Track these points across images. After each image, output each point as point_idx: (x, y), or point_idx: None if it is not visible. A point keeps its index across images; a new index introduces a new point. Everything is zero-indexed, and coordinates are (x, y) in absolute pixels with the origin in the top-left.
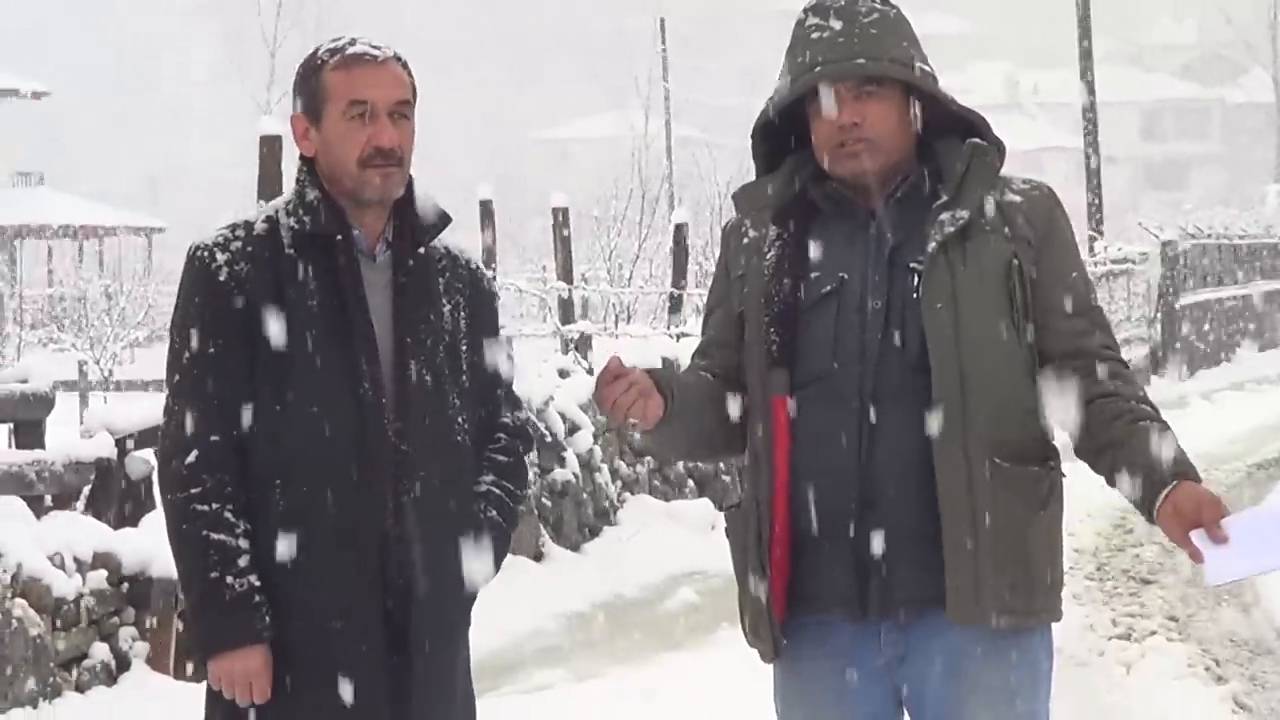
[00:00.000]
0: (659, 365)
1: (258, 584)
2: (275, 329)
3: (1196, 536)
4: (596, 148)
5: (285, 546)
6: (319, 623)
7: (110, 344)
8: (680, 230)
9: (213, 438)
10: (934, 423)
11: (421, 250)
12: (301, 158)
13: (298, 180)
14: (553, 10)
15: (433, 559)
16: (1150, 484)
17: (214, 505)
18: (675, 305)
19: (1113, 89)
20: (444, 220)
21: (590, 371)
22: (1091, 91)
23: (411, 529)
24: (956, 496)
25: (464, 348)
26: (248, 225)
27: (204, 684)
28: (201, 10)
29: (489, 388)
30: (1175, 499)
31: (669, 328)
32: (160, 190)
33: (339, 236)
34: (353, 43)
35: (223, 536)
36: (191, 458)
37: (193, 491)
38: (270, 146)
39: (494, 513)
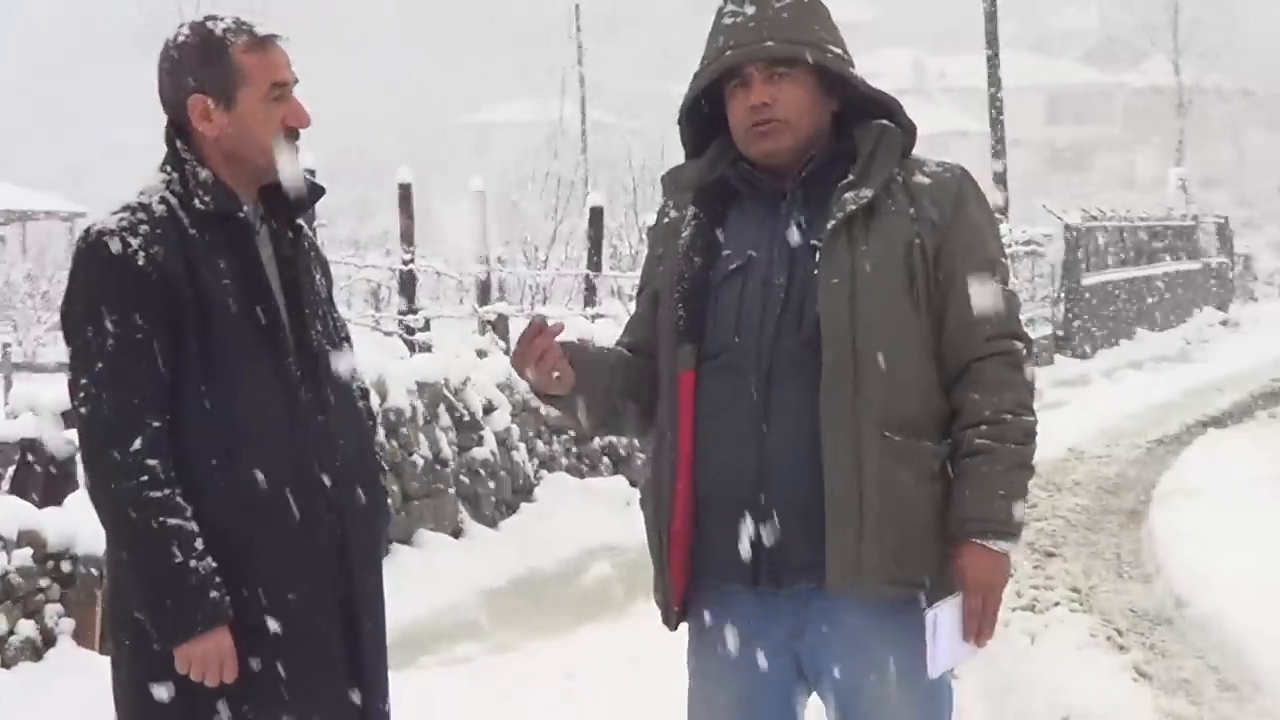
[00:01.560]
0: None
1: (214, 565)
2: (194, 309)
3: (929, 616)
4: (515, 132)
5: (230, 524)
6: (273, 591)
7: (34, 326)
8: (596, 213)
9: (153, 423)
10: (823, 398)
11: (300, 223)
12: (178, 137)
13: (177, 162)
14: None
15: (360, 508)
16: (957, 518)
17: (165, 491)
18: (589, 287)
19: (1017, 74)
20: (316, 194)
21: (507, 352)
22: (996, 77)
23: (342, 490)
24: (841, 469)
25: (333, 316)
26: (145, 207)
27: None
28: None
29: (349, 350)
30: (957, 552)
31: (585, 309)
32: (80, 175)
33: (240, 214)
34: (244, 23)
35: (178, 521)
36: (136, 444)
37: (142, 479)
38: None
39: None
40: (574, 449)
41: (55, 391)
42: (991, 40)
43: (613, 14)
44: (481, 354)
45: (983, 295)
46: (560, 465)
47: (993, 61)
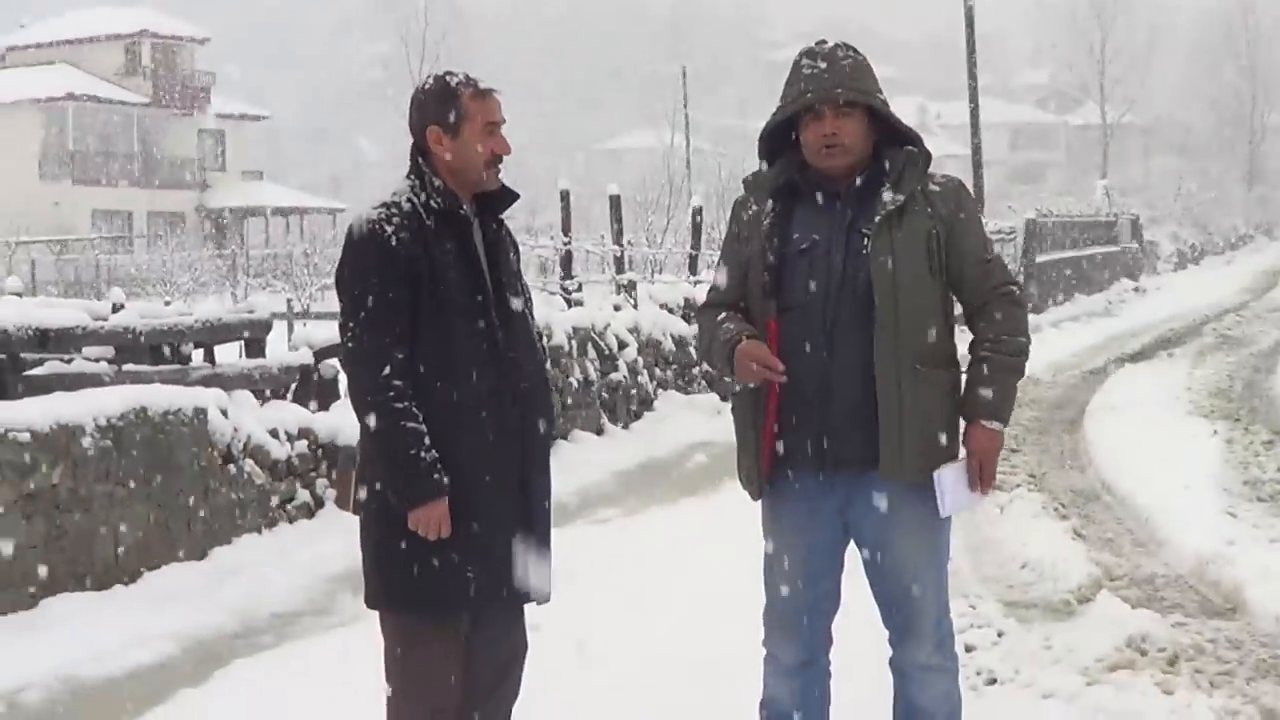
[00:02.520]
0: (674, 308)
1: (436, 455)
2: (428, 278)
3: (936, 476)
4: (639, 155)
5: (448, 426)
6: (476, 476)
7: (308, 287)
8: (697, 211)
9: (398, 355)
10: (879, 338)
11: (500, 218)
12: (419, 156)
13: (419, 173)
14: (608, 57)
15: (536, 421)
16: (970, 406)
17: (404, 403)
18: (693, 263)
19: (990, 114)
20: (514, 198)
21: (635, 306)
22: (975, 116)
23: (525, 406)
24: (889, 390)
25: (521, 284)
26: (396, 205)
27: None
28: (374, 59)
29: (532, 310)
30: (970, 433)
31: (689, 277)
32: (341, 182)
33: (461, 211)
34: (471, 79)
35: (413, 424)
36: (386, 370)
37: (389, 395)
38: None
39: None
40: (681, 375)
41: (324, 332)
42: (972, 91)
43: (707, 74)
44: (617, 308)
45: (985, 259)
46: (671, 385)
47: (974, 106)
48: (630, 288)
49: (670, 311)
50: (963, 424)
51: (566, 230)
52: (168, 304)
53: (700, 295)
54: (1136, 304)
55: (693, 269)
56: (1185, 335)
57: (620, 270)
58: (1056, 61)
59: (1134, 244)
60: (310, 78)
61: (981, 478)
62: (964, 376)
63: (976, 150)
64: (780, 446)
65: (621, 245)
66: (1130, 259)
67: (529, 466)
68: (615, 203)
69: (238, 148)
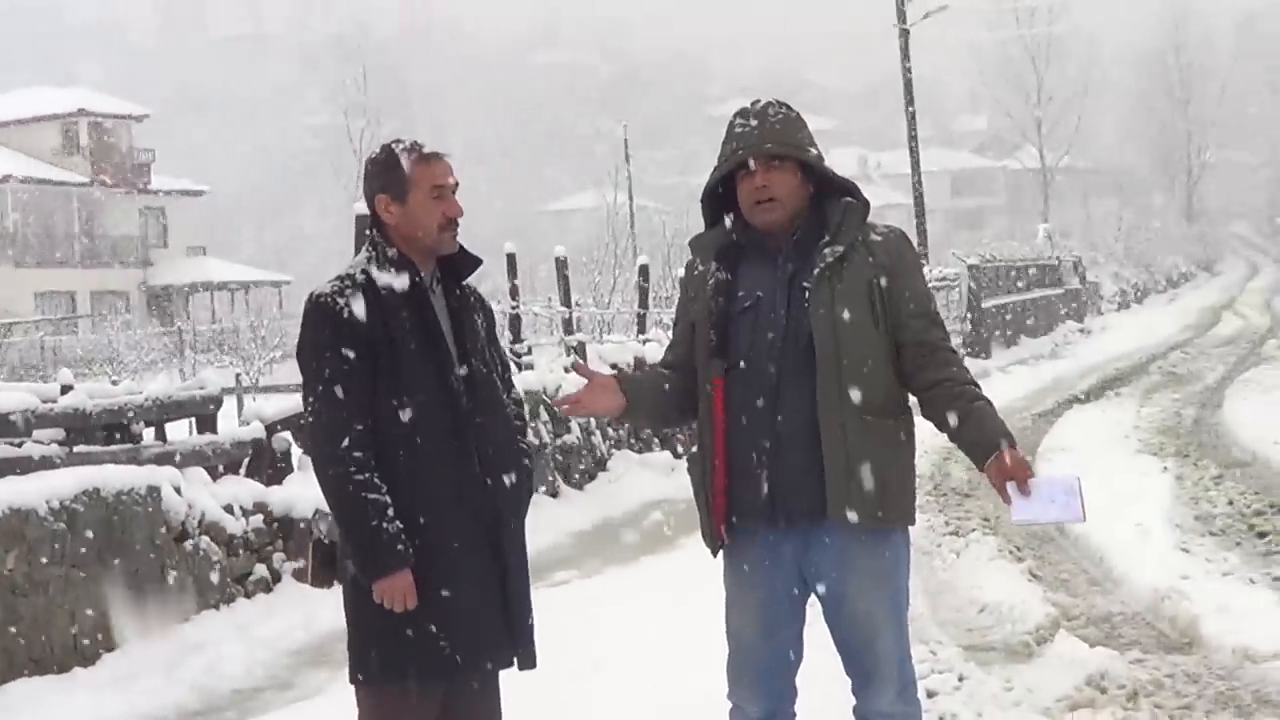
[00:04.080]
0: (624, 368)
1: (401, 526)
2: (384, 348)
3: (1010, 487)
4: (583, 216)
5: (413, 496)
6: (443, 543)
7: (256, 360)
8: (643, 269)
9: (357, 427)
10: (820, 389)
11: (464, 283)
12: (374, 225)
13: (373, 243)
14: (549, 119)
15: (509, 488)
16: (984, 447)
17: (365, 474)
18: (640, 321)
19: (930, 162)
20: (477, 263)
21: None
22: (917, 164)
23: (492, 472)
24: (834, 438)
25: (492, 349)
26: (350, 278)
27: (335, 588)
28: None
29: (506, 374)
30: (1001, 459)
31: (638, 336)
32: (285, 255)
33: (418, 279)
34: (417, 144)
35: (375, 495)
36: (345, 442)
37: (350, 468)
38: (362, 222)
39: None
40: (635, 434)
41: (274, 405)
42: (913, 140)
43: (648, 131)
44: (567, 369)
45: (929, 310)
46: (625, 445)
47: (914, 155)
48: (580, 349)
49: (620, 371)
50: (993, 454)
51: (515, 294)
52: (115, 383)
53: (649, 353)
54: (1083, 345)
55: (641, 328)
56: (1132, 374)
57: (569, 331)
58: (994, 107)
59: (1078, 285)
60: (250, 151)
61: (1024, 489)
62: (916, 422)
63: (918, 198)
64: (733, 503)
65: (570, 307)
66: (1074, 300)
67: (499, 530)
68: (561, 265)
69: (180, 224)
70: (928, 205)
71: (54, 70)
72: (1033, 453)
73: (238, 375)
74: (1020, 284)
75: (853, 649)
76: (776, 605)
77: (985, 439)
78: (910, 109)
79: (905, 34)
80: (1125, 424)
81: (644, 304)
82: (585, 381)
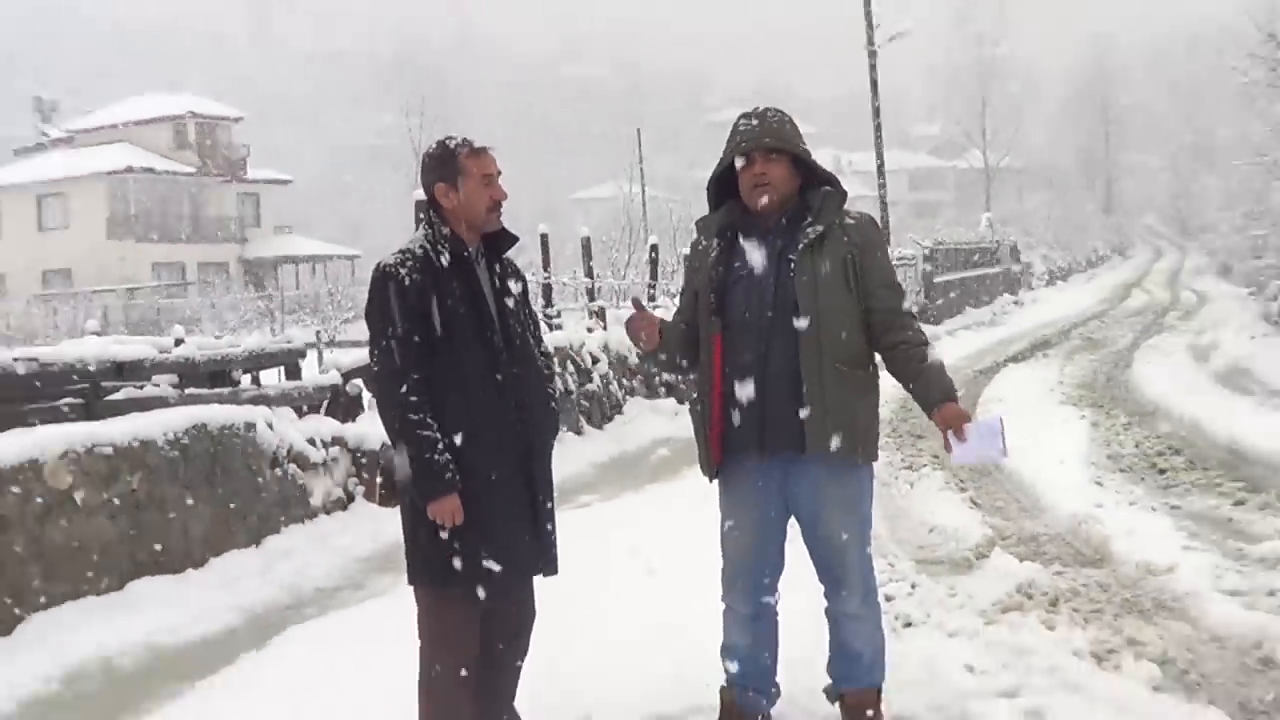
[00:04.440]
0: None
1: (449, 457)
2: (438, 310)
3: (950, 435)
4: (602, 203)
5: (460, 433)
6: (485, 472)
7: (332, 320)
8: (653, 248)
9: (414, 375)
10: (802, 344)
11: (504, 256)
12: (430, 208)
13: (429, 222)
14: (572, 121)
15: (540, 426)
16: (931, 400)
17: (420, 414)
18: (651, 291)
19: (893, 162)
20: (514, 240)
21: (605, 329)
22: (881, 164)
23: (526, 414)
24: (814, 383)
25: (526, 311)
26: (410, 252)
27: (397, 508)
28: (377, 130)
29: (538, 332)
30: (942, 411)
31: (649, 303)
32: (356, 232)
33: (466, 253)
34: (468, 140)
35: (428, 432)
36: (404, 388)
37: (407, 408)
38: (421, 205)
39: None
40: (646, 384)
41: (349, 357)
42: (878, 143)
43: (658, 132)
44: (590, 330)
45: (893, 282)
46: (637, 393)
47: (879, 156)
48: (600, 313)
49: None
50: (937, 406)
51: (546, 267)
52: (218, 338)
53: (659, 318)
54: (1017, 314)
55: (651, 297)
56: (1056, 339)
57: (591, 299)
58: (945, 116)
59: (1013, 265)
60: (326, 147)
61: (960, 435)
62: (882, 376)
63: (882, 191)
64: (728, 438)
65: (592, 278)
66: (1010, 277)
67: (532, 462)
68: (586, 243)
69: (270, 207)
70: (890, 198)
71: (165, 78)
72: (975, 402)
73: (317, 332)
74: (966, 264)
75: (825, 562)
76: (763, 524)
77: (933, 394)
78: (876, 120)
79: (873, 54)
80: (1051, 380)
81: (654, 276)
82: (605, 328)
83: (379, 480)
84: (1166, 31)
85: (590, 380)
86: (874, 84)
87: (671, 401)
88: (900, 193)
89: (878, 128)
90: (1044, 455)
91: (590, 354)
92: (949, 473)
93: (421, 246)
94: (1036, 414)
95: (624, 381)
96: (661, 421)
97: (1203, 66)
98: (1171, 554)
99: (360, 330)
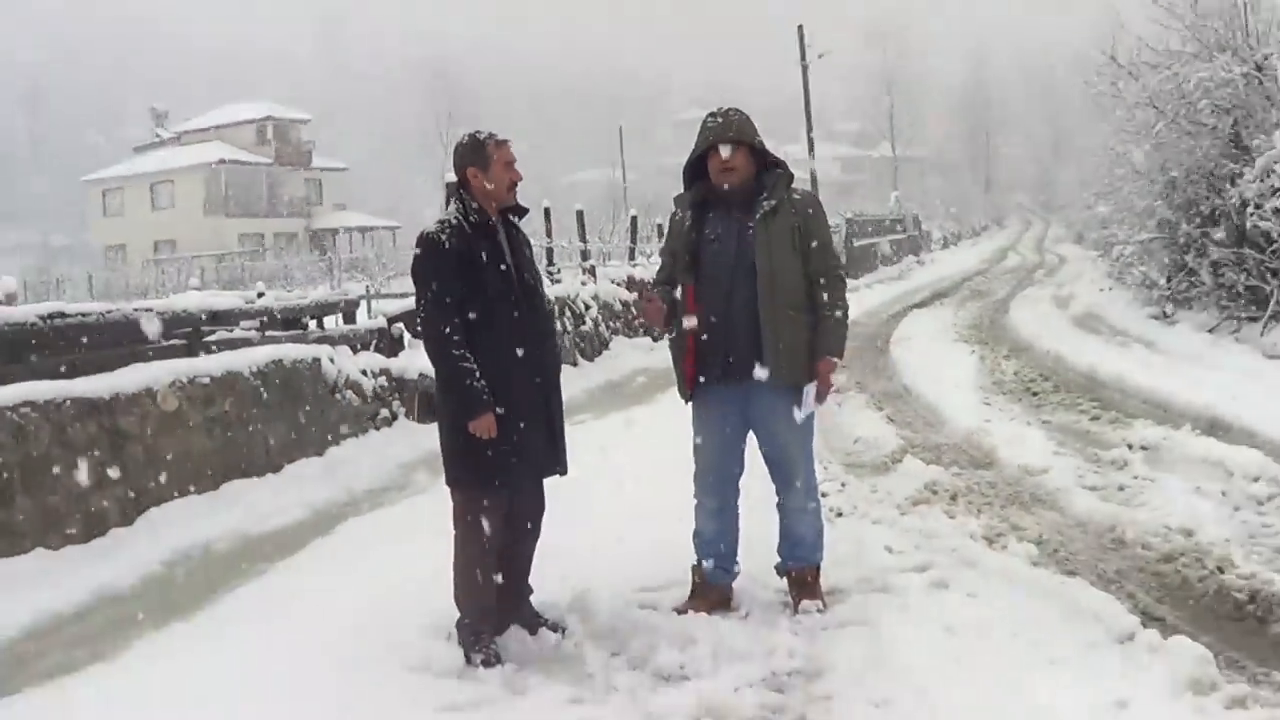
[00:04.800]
0: (620, 283)
1: (484, 383)
2: (470, 266)
3: (806, 390)
4: (589, 185)
5: (491, 362)
6: (511, 393)
7: (378, 277)
8: (633, 219)
9: (454, 319)
10: (760, 293)
11: (518, 223)
12: (461, 187)
13: (460, 198)
14: (565, 117)
15: (549, 354)
16: (820, 348)
17: (460, 351)
18: (631, 253)
19: (820, 151)
20: (525, 211)
21: (595, 281)
22: (811, 154)
23: (541, 348)
24: (769, 326)
25: (535, 268)
26: (448, 221)
27: (432, 424)
28: (414, 125)
29: (543, 285)
30: (822, 365)
31: (629, 262)
32: (396, 208)
33: (490, 221)
34: (493, 134)
35: (467, 364)
36: (447, 329)
37: (450, 346)
38: (452, 186)
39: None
40: (627, 325)
41: (393, 306)
42: (809, 136)
43: (635, 126)
44: (583, 284)
45: (827, 247)
46: (620, 333)
47: (810, 146)
48: (591, 271)
49: (617, 284)
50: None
51: (549, 235)
52: (289, 292)
53: (637, 275)
54: (919, 271)
55: (631, 257)
56: (950, 291)
57: (584, 259)
58: (862, 114)
59: (916, 232)
60: (374, 138)
61: (822, 393)
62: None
63: (813, 176)
64: (700, 367)
65: (585, 243)
66: (913, 242)
67: (547, 386)
68: (580, 216)
69: (330, 188)
70: (820, 181)
71: (245, 86)
72: (888, 340)
73: (367, 287)
74: (879, 231)
75: (777, 465)
76: (727, 436)
77: (823, 344)
78: (808, 120)
79: (805, 67)
80: (946, 322)
81: (634, 241)
82: (603, 289)
83: (416, 402)
84: (1036, 49)
85: (583, 323)
86: (806, 91)
87: (648, 340)
88: (829, 176)
89: (808, 122)
90: (943, 382)
91: (584, 302)
92: (869, 396)
93: (456, 217)
94: (936, 349)
95: (610, 324)
96: (640, 355)
97: (1062, 79)
98: (1044, 458)
99: (400, 285)
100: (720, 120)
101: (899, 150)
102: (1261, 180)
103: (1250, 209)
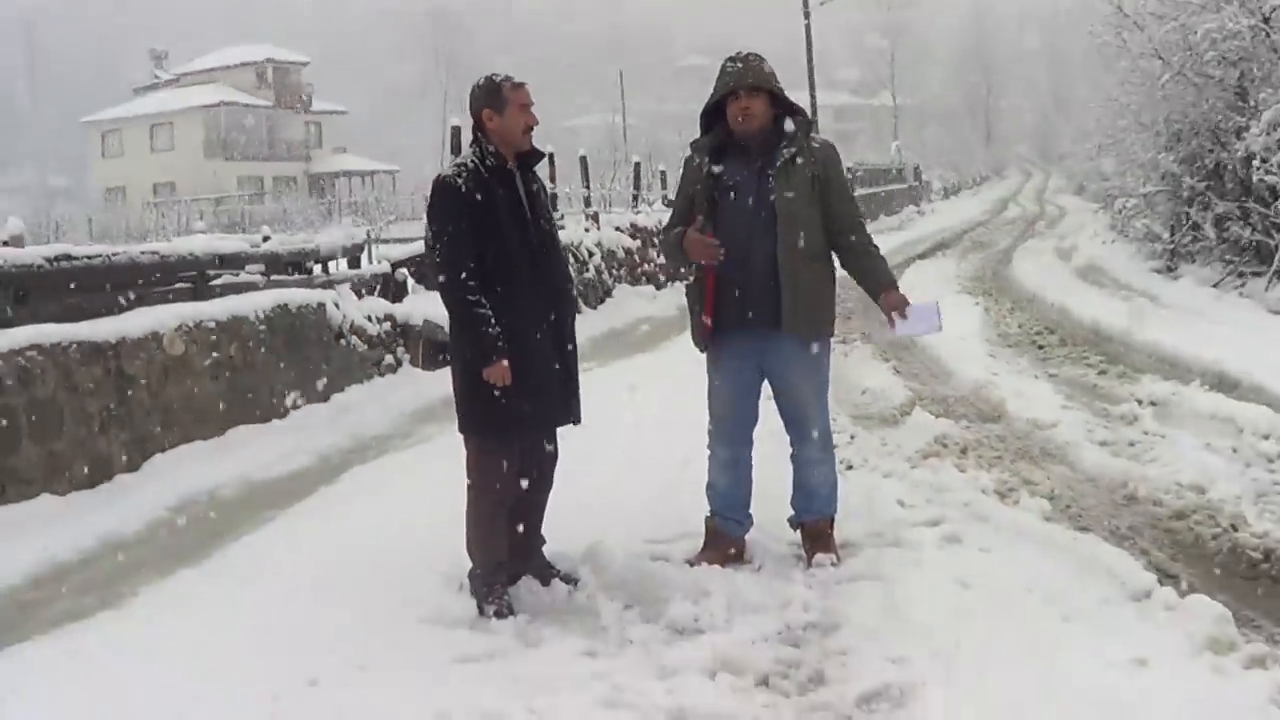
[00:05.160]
0: (625, 229)
1: (499, 329)
2: (486, 211)
3: (894, 315)
4: (591, 130)
5: (507, 308)
6: (527, 340)
7: (378, 222)
8: (637, 166)
9: (470, 264)
10: (780, 243)
11: (534, 169)
12: (477, 130)
13: (477, 142)
14: (567, 64)
15: (565, 303)
16: (879, 285)
17: (475, 296)
18: (634, 199)
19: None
20: (542, 156)
21: (599, 229)
22: (814, 100)
23: (556, 295)
24: (788, 275)
25: (550, 212)
26: (465, 165)
27: (436, 371)
28: (414, 71)
29: (558, 230)
30: (888, 297)
31: (633, 208)
32: (396, 153)
33: (508, 165)
34: (509, 76)
35: (482, 310)
36: (463, 274)
37: (464, 291)
38: (455, 132)
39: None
40: (630, 273)
41: (397, 251)
42: (811, 84)
43: (636, 74)
44: (587, 230)
45: (850, 195)
46: (624, 280)
47: (812, 95)
48: (595, 218)
49: (621, 231)
50: (882, 293)
51: (552, 180)
52: (292, 236)
53: (640, 222)
54: (919, 222)
55: (634, 204)
56: (951, 241)
57: (587, 206)
58: (863, 63)
59: (916, 183)
60: (374, 83)
61: (903, 314)
62: (839, 270)
63: (815, 123)
64: (718, 316)
65: (588, 190)
66: (914, 192)
67: (562, 334)
68: (584, 161)
69: (329, 132)
70: (820, 129)
71: (246, 29)
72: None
73: (367, 232)
74: (880, 181)
75: (792, 416)
76: (743, 386)
77: (881, 280)
78: (810, 68)
79: (808, 15)
80: (949, 273)
81: (638, 187)
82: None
83: (421, 349)
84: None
85: (587, 270)
86: (809, 40)
87: (651, 288)
88: (827, 125)
89: (811, 70)
90: (948, 334)
91: (587, 249)
92: (875, 346)
93: (472, 160)
94: (940, 300)
95: (613, 271)
96: (643, 303)
97: (1063, 29)
98: (1053, 412)
99: (400, 230)
100: (740, 65)
101: (899, 100)
102: (1268, 134)
103: (1256, 163)
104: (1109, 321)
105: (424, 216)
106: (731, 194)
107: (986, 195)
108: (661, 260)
